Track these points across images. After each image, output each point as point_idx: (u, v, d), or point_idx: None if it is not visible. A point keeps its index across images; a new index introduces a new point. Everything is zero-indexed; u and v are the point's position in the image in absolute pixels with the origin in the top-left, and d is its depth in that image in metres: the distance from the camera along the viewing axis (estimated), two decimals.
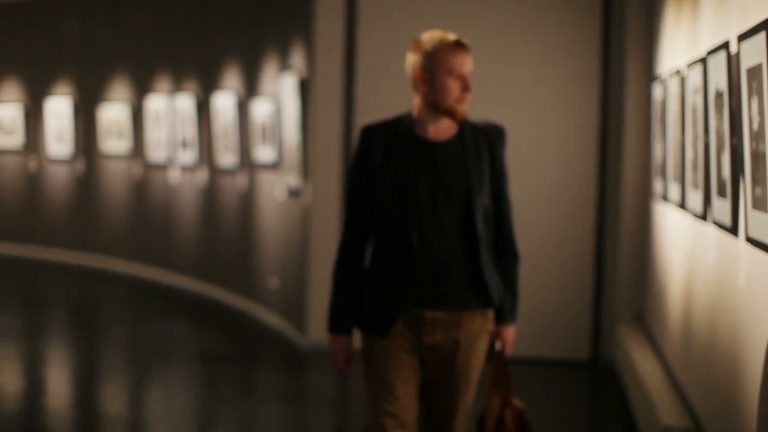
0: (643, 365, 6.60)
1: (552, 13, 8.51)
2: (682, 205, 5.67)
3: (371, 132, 3.92)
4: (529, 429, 4.10)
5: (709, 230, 4.90)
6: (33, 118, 14.77)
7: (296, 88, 9.26)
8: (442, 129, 3.89)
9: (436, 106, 3.86)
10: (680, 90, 5.72)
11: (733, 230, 4.22)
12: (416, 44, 3.88)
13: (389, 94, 8.43)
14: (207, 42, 11.70)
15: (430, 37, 3.86)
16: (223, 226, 11.45)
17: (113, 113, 13.40)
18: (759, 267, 3.85)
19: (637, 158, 8.25)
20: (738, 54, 3.89)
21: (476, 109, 8.26)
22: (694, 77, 5.15)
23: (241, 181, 11.00)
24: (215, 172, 11.59)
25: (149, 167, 12.92)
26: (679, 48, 6.16)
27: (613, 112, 8.50)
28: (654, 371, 6.42)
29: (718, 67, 4.41)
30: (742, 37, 3.83)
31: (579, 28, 8.49)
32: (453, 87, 3.83)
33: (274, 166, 10.11)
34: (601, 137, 8.52)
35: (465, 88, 3.86)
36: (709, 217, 4.86)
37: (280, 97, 9.87)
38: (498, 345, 4.02)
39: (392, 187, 3.85)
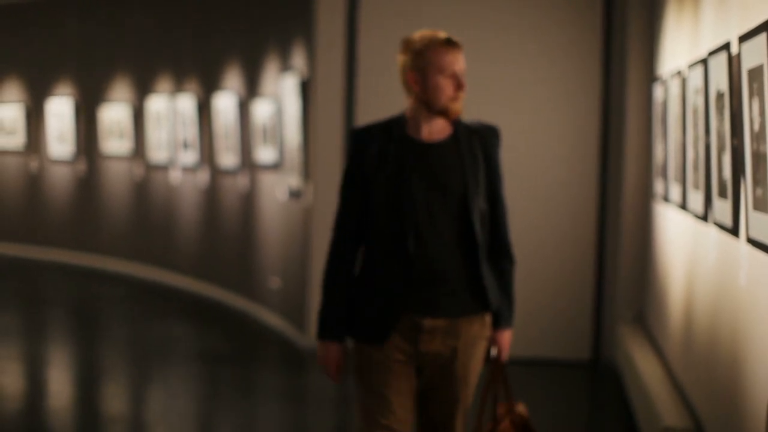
0: (643, 366, 6.60)
1: (553, 13, 8.51)
2: (683, 205, 5.67)
3: (363, 134, 3.85)
4: None
5: (710, 231, 4.90)
6: (34, 118, 14.78)
7: (297, 89, 9.26)
8: (436, 130, 3.83)
9: (429, 106, 3.79)
10: (681, 91, 5.72)
11: (734, 231, 4.21)
12: (406, 44, 3.82)
13: (390, 95, 8.42)
14: (208, 43, 11.70)
15: (420, 36, 3.79)
16: (224, 226, 11.45)
17: (114, 114, 13.40)
18: (760, 268, 3.85)
19: (638, 159, 8.25)
20: (739, 55, 3.89)
21: (477, 109, 8.26)
22: (695, 78, 5.15)
23: (242, 181, 11.00)
24: (216, 172, 11.59)
25: (150, 168, 12.92)
26: (680, 49, 6.16)
27: (614, 113, 8.50)
28: (655, 372, 6.42)
29: (719, 68, 4.41)
30: (743, 38, 3.83)
31: (580, 29, 8.49)
32: (446, 86, 3.77)
33: (275, 167, 10.11)
34: (602, 138, 8.52)
35: (458, 86, 3.79)
36: (710, 217, 4.86)
37: (281, 98, 9.88)
38: (494, 351, 3.94)
39: (386, 189, 3.77)
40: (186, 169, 12.20)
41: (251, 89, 10.79)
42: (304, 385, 8.08)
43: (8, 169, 15.12)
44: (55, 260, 14.20)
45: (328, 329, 3.84)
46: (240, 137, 10.97)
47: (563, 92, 8.53)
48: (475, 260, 3.81)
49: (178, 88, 12.30)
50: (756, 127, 3.64)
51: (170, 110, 12.38)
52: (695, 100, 5.19)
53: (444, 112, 3.79)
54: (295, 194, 9.46)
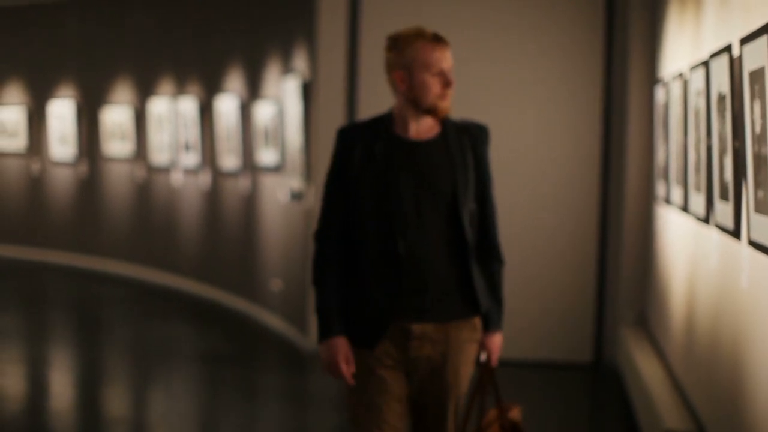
0: (645, 368, 6.60)
1: (554, 14, 8.51)
2: (685, 208, 5.67)
3: (349, 133, 3.78)
4: None
5: (712, 233, 4.90)
6: (36, 120, 14.78)
7: (299, 91, 9.26)
8: (424, 129, 3.74)
9: (416, 104, 3.71)
10: (683, 93, 5.72)
11: (736, 233, 4.21)
12: (392, 41, 3.73)
13: (391, 97, 8.41)
14: (209, 45, 11.71)
15: (406, 32, 3.72)
16: (226, 228, 11.45)
17: (116, 116, 13.41)
18: (761, 270, 3.85)
19: (640, 161, 8.25)
20: (740, 57, 3.89)
21: (478, 110, 8.27)
22: (697, 80, 5.15)
23: (243, 183, 11.01)
24: (218, 174, 11.59)
25: (152, 170, 12.93)
26: (682, 51, 6.16)
27: (615, 115, 8.50)
28: (656, 374, 6.42)
29: (721, 70, 4.41)
30: (744, 41, 3.83)
31: (582, 30, 8.48)
32: (433, 84, 3.68)
33: (277, 169, 10.11)
34: (603, 140, 8.52)
35: (446, 84, 3.70)
36: (711, 220, 4.86)
37: (282, 100, 9.88)
38: (483, 356, 3.84)
39: (374, 189, 3.69)
40: (187, 171, 12.21)
41: (253, 91, 10.80)
42: (304, 386, 8.08)
43: (10, 171, 15.13)
44: (57, 262, 14.20)
45: (328, 328, 3.73)
46: (241, 139, 10.97)
47: (565, 94, 8.53)
48: (465, 262, 3.73)
49: (180, 90, 12.30)
50: (757, 129, 3.64)
51: (172, 112, 12.39)
52: (697, 102, 5.19)
53: (431, 111, 3.71)
54: (296, 196, 9.46)
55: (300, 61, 9.51)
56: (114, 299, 12.05)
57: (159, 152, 12.72)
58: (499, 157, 8.51)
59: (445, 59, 3.70)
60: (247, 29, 10.96)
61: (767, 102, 3.47)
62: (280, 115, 9.94)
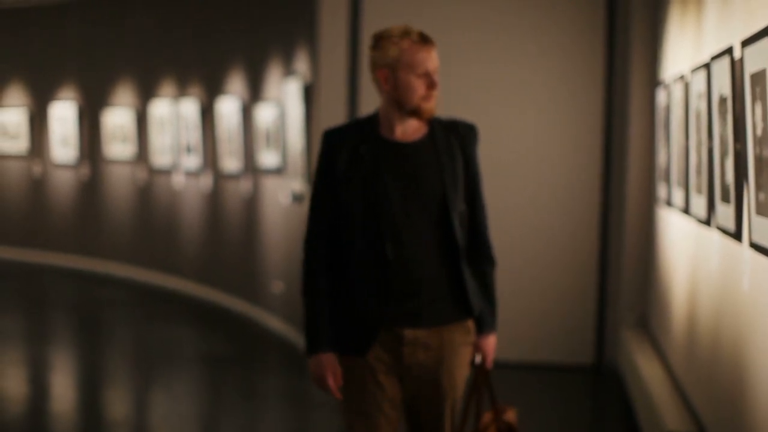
0: (646, 370, 6.60)
1: (556, 15, 8.51)
2: (686, 210, 5.67)
3: (335, 135, 3.68)
4: None
5: (713, 236, 4.90)
6: (38, 122, 14.79)
7: (300, 93, 9.27)
8: (411, 130, 3.66)
9: (400, 105, 3.62)
10: (684, 95, 5.73)
11: (737, 236, 4.21)
12: (376, 39, 3.65)
13: None
14: (211, 47, 11.72)
15: (391, 31, 3.63)
16: (227, 230, 11.46)
17: (118, 118, 13.42)
18: (762, 272, 3.85)
19: (641, 163, 8.25)
20: (742, 60, 3.89)
21: (479, 111, 8.28)
22: (698, 83, 5.16)
23: (245, 186, 11.01)
24: (219, 177, 11.60)
25: (154, 172, 12.93)
26: (683, 53, 6.16)
27: (617, 117, 8.50)
28: (658, 376, 6.42)
29: (722, 72, 4.42)
30: (745, 43, 3.83)
31: (583, 32, 8.49)
32: (417, 85, 3.60)
33: (278, 171, 10.12)
34: (605, 142, 8.52)
35: (431, 85, 3.60)
36: (712, 222, 4.86)
37: (284, 102, 9.88)
38: (478, 359, 3.78)
39: (361, 192, 3.60)
40: (189, 174, 12.21)
41: (254, 93, 10.80)
42: (306, 388, 8.08)
43: (12, 173, 15.13)
44: (59, 264, 14.21)
45: (317, 342, 3.66)
46: (243, 141, 10.98)
47: (566, 96, 8.53)
48: (456, 264, 3.65)
49: (182, 92, 12.31)
50: (759, 131, 3.64)
51: (173, 114, 12.39)
52: (698, 104, 5.20)
53: (416, 113, 3.62)
54: (297, 198, 9.47)
55: (301, 64, 9.52)
56: (115, 301, 12.05)
57: (160, 154, 12.73)
58: (500, 158, 8.56)
59: (431, 60, 3.61)
60: (249, 31, 10.96)
61: None
62: (282, 117, 9.94)
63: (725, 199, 4.43)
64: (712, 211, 4.85)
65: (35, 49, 14.60)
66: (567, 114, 8.53)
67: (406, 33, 3.63)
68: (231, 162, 11.24)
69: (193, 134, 12.02)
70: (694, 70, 5.31)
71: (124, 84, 13.40)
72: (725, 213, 4.44)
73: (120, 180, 13.53)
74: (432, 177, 3.63)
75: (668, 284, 6.67)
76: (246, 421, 6.98)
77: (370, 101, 8.64)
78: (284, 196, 9.88)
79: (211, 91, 11.71)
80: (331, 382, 3.66)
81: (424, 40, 3.62)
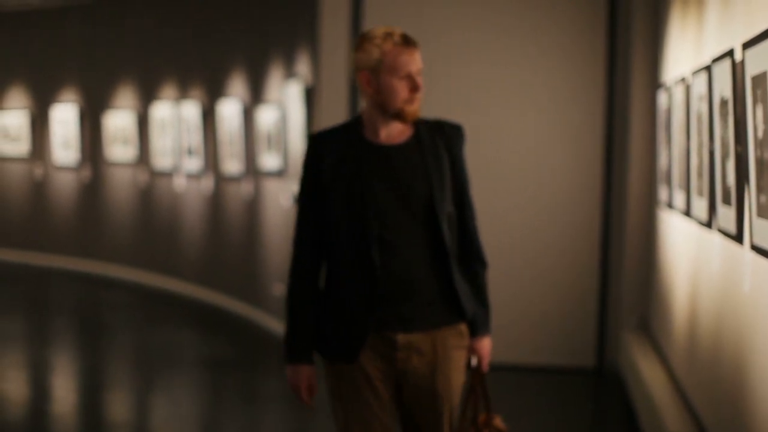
0: (648, 372, 6.60)
1: (556, 17, 8.51)
2: (687, 212, 5.67)
3: (319, 139, 3.63)
4: None
5: (714, 238, 4.90)
6: (39, 125, 14.80)
7: (301, 96, 9.27)
8: (395, 132, 3.60)
9: (383, 108, 3.56)
10: (685, 97, 5.73)
11: (738, 238, 4.21)
12: (359, 41, 3.57)
13: None
14: (212, 50, 11.72)
15: (373, 32, 3.55)
16: (229, 233, 11.46)
17: (119, 121, 13.42)
18: (764, 275, 3.85)
19: (642, 165, 8.25)
20: (743, 62, 3.89)
21: (479, 113, 8.28)
22: (699, 85, 5.16)
23: (246, 188, 11.01)
24: (221, 179, 11.60)
25: (155, 174, 12.94)
26: (684, 56, 6.16)
27: (618, 119, 8.50)
28: (659, 378, 6.42)
29: (723, 74, 4.42)
30: (746, 45, 3.83)
31: (584, 34, 8.49)
32: (400, 88, 3.52)
33: (280, 174, 10.12)
34: (605, 144, 8.52)
35: (414, 88, 3.54)
36: (714, 224, 4.86)
37: (285, 105, 9.89)
38: (474, 361, 3.76)
39: (346, 196, 3.56)
40: (190, 176, 12.22)
41: (255, 96, 10.81)
42: None
43: (13, 175, 15.14)
44: (60, 266, 14.22)
45: (296, 352, 3.64)
46: (244, 144, 10.98)
47: (567, 98, 8.53)
48: (446, 267, 3.60)
49: (183, 94, 12.32)
50: (760, 134, 3.64)
51: (175, 117, 12.40)
52: (699, 106, 5.20)
53: (399, 116, 3.56)
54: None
55: (302, 66, 9.52)
56: (117, 304, 12.05)
57: (162, 157, 12.73)
58: (500, 160, 8.56)
59: (414, 62, 3.54)
60: (250, 34, 10.97)
61: None
62: (283, 119, 9.95)
63: (726, 201, 4.43)
64: (713, 213, 4.85)
65: (36, 51, 14.61)
66: (568, 115, 8.53)
67: (388, 35, 3.54)
68: (232, 164, 11.24)
69: (194, 136, 12.03)
70: (695, 72, 5.31)
71: (125, 86, 13.41)
72: (726, 215, 4.44)
73: (121, 182, 13.53)
74: (418, 179, 3.58)
75: (669, 286, 6.67)
76: (247, 423, 6.98)
77: None
78: (285, 199, 9.88)
79: (212, 93, 11.71)
80: (305, 395, 3.68)
81: (407, 42, 3.55)
